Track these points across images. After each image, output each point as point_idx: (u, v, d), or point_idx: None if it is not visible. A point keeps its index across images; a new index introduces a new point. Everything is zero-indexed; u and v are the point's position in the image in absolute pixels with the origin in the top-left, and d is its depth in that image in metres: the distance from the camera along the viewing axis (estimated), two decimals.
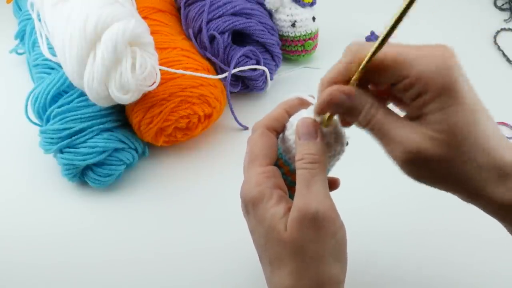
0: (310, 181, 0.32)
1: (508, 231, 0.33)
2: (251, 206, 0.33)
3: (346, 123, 0.35)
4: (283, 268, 0.32)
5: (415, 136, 0.29)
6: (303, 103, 0.37)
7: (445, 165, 0.29)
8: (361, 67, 0.30)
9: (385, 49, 0.29)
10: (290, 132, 0.35)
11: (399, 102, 0.33)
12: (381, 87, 0.33)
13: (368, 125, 0.31)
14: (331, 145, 0.34)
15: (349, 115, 0.31)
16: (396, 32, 0.28)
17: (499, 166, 0.29)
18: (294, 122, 0.35)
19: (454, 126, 0.28)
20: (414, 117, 0.30)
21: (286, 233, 0.31)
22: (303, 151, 0.33)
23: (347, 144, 0.35)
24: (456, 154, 0.29)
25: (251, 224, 0.34)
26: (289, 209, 0.32)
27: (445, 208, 0.46)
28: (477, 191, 0.30)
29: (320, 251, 0.31)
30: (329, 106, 0.31)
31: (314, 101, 0.36)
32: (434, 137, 0.29)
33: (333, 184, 0.38)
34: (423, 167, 0.30)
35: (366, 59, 0.29)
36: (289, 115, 0.36)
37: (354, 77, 0.30)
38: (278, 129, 0.36)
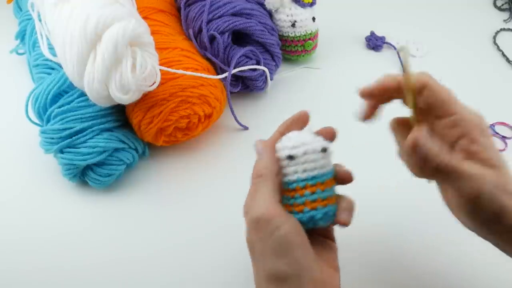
0: (253, 193, 0.36)
1: None
2: None
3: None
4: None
5: (482, 172, 0.33)
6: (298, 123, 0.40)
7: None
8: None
9: (436, 85, 0.35)
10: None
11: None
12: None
13: (443, 168, 0.34)
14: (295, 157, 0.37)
15: (425, 161, 0.34)
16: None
17: None
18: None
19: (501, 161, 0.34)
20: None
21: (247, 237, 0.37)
22: (254, 167, 0.38)
23: (324, 150, 0.37)
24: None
25: None
26: None
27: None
28: None
29: (263, 250, 0.35)
30: (413, 151, 0.34)
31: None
32: (489, 173, 0.33)
33: (345, 179, 0.39)
34: (486, 202, 0.33)
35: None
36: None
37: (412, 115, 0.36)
38: None
